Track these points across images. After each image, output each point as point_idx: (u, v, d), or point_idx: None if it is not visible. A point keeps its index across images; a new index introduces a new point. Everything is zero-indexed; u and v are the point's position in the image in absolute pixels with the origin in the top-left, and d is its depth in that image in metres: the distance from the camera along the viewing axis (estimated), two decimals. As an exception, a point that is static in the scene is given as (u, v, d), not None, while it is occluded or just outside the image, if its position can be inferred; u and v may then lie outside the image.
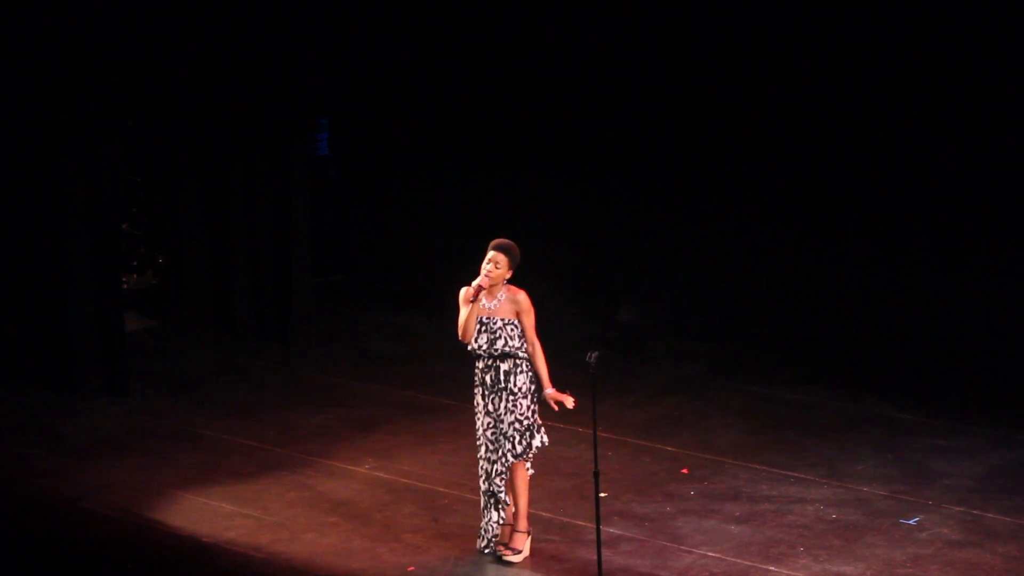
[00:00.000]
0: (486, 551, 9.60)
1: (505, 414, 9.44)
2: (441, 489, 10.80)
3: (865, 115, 13.03)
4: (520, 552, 9.59)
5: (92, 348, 12.99)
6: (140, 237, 15.63)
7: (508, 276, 9.43)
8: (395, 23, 15.26)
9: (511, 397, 9.43)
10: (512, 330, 9.40)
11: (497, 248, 9.42)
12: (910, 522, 10.08)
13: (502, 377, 9.43)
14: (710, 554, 9.66)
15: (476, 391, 9.55)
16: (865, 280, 13.32)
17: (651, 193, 14.32)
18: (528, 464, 9.55)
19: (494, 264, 9.39)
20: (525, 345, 9.41)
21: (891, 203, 13.08)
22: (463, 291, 9.46)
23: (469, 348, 9.50)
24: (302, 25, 14.31)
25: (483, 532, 9.62)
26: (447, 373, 13.11)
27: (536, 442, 9.50)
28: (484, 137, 14.98)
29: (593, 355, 9.05)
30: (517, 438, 9.45)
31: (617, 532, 9.98)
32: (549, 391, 9.42)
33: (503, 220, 14.29)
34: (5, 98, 12.85)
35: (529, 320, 9.41)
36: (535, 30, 14.52)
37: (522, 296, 9.42)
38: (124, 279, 15.01)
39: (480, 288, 9.35)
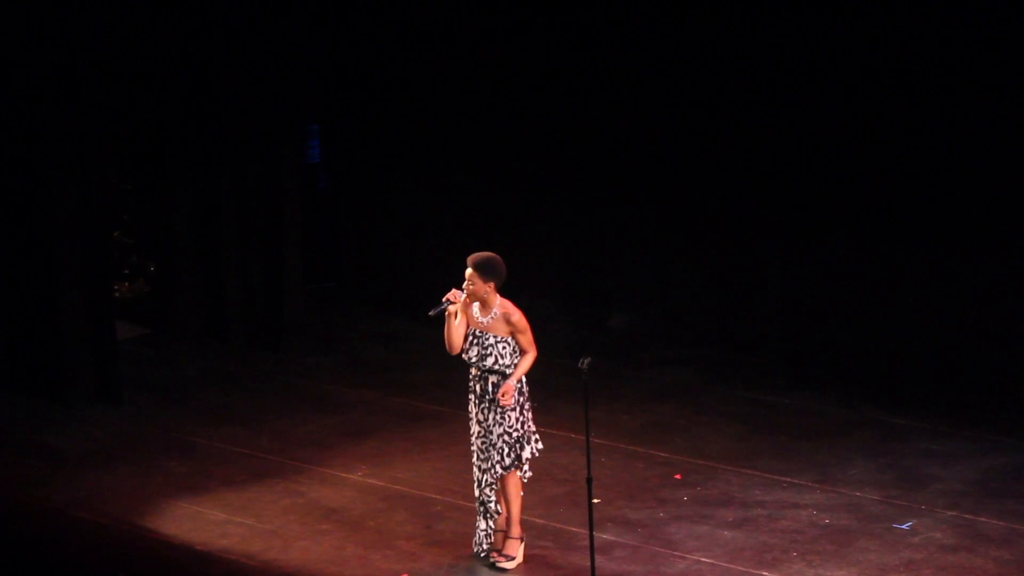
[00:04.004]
0: (481, 555, 9.59)
1: (494, 426, 9.42)
2: (434, 496, 10.79)
3: (861, 118, 13.02)
4: (513, 559, 9.58)
5: (83, 356, 12.96)
6: (131, 245, 15.59)
7: (488, 289, 9.35)
8: (386, 30, 15.25)
9: (499, 410, 9.40)
10: (504, 348, 9.36)
11: (470, 264, 9.36)
12: (903, 527, 10.08)
13: (490, 389, 9.42)
14: (703, 560, 9.66)
15: (470, 397, 9.54)
16: (858, 285, 13.32)
17: (643, 198, 14.31)
18: (526, 467, 9.53)
19: (468, 282, 9.34)
20: (515, 358, 9.38)
21: (884, 209, 13.09)
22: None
23: (464, 356, 9.49)
24: (294, 32, 14.29)
25: (477, 539, 9.62)
26: (439, 380, 13.09)
27: (526, 454, 9.47)
28: (475, 144, 14.97)
29: (585, 361, 9.05)
30: (506, 450, 9.43)
31: (610, 538, 9.97)
32: (510, 382, 9.31)
33: (494, 226, 14.33)
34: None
35: (525, 338, 9.36)
36: (526, 38, 14.51)
37: (516, 316, 9.33)
38: (115, 287, 14.97)
39: (448, 302, 9.31)
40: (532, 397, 9.52)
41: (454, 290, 9.35)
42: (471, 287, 9.33)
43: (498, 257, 9.38)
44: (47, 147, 12.80)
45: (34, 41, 12.63)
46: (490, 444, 9.43)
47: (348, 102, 15.83)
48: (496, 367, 9.34)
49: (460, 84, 14.91)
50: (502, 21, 14.59)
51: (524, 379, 9.43)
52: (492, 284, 9.31)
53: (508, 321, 9.32)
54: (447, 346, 9.46)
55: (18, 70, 12.68)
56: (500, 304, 9.36)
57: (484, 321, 9.37)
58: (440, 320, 9.44)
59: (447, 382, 12.77)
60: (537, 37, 14.46)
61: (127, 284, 15.57)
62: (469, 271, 9.33)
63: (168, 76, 14.21)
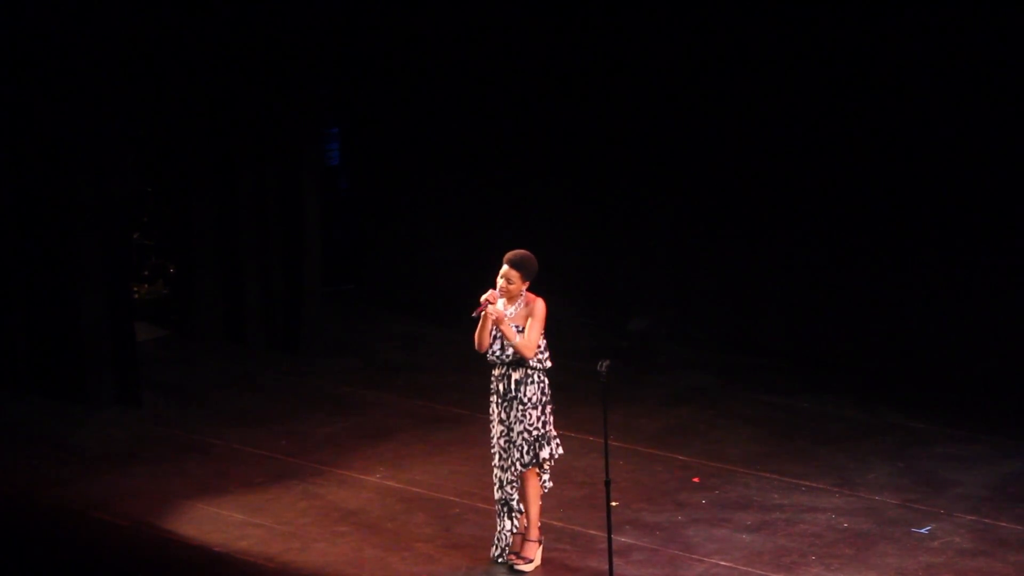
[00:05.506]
0: (499, 560, 9.60)
1: (515, 423, 9.44)
2: (452, 499, 10.80)
3: (873, 123, 13.02)
4: (532, 561, 9.58)
5: (103, 358, 12.99)
6: (151, 247, 15.64)
7: (524, 288, 9.41)
8: (407, 33, 15.27)
9: (521, 407, 9.42)
10: (523, 338, 9.40)
11: (509, 263, 9.38)
12: (922, 531, 10.06)
13: (513, 386, 9.43)
14: (722, 563, 9.65)
15: (491, 399, 9.55)
16: (876, 289, 13.31)
17: (662, 202, 14.31)
18: (546, 477, 9.53)
19: (506, 280, 9.36)
20: (537, 354, 9.38)
21: (902, 211, 13.08)
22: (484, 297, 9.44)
23: (488, 356, 9.50)
24: (314, 34, 14.32)
25: (496, 540, 9.62)
26: (458, 383, 13.11)
27: (544, 453, 9.47)
28: (494, 147, 14.99)
29: (604, 364, 9.05)
30: (525, 448, 9.44)
31: (628, 541, 9.97)
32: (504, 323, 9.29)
33: (513, 229, 14.31)
34: (16, 108, 12.88)
35: (535, 326, 9.32)
36: (546, 42, 14.52)
37: (539, 304, 9.38)
38: (135, 289, 15.02)
39: (487, 303, 9.32)
40: (551, 400, 9.52)
41: (491, 291, 9.36)
42: (509, 286, 9.36)
43: (533, 255, 9.41)
44: (67, 149, 12.84)
45: (55, 43, 12.67)
46: (511, 442, 9.45)
47: (368, 105, 15.87)
48: (517, 357, 9.36)
49: (480, 87, 14.92)
50: (522, 23, 14.60)
51: (546, 381, 9.45)
52: (528, 283, 9.38)
53: (529, 307, 9.35)
54: (476, 344, 9.47)
55: (39, 73, 12.72)
56: (526, 296, 9.41)
57: (509, 312, 9.40)
58: (477, 320, 9.46)
59: (465, 384, 12.79)
60: (558, 41, 14.47)
61: (146, 286, 15.61)
62: (506, 268, 9.35)
63: (188, 78, 14.24)
